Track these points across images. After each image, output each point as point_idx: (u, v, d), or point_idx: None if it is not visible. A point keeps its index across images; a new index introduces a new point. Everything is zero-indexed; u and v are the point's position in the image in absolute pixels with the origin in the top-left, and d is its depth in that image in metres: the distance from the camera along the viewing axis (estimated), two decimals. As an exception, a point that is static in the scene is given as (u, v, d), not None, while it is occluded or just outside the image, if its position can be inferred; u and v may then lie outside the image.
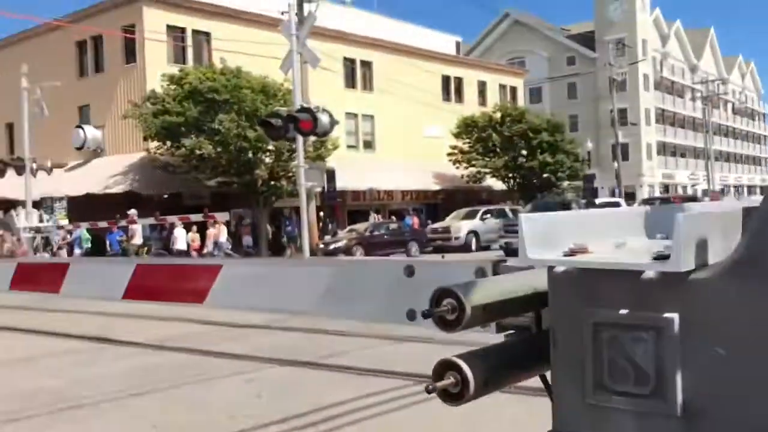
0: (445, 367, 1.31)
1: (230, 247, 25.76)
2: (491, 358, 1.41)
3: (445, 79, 44.38)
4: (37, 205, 22.40)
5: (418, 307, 1.55)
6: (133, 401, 5.89)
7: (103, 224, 20.41)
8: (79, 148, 32.04)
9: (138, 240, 24.08)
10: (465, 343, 1.54)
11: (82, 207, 27.55)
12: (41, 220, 21.43)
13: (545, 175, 39.24)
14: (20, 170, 21.63)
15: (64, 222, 25.58)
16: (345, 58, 37.91)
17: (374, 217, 34.01)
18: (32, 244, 21.18)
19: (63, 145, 31.94)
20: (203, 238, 24.93)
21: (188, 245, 24.24)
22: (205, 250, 24.57)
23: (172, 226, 23.42)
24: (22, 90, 22.32)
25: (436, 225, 31.50)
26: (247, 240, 28.52)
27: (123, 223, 20.92)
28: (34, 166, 21.76)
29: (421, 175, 39.08)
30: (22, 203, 21.70)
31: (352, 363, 6.92)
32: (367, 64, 40.07)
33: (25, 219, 20.34)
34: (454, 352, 1.35)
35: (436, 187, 39.76)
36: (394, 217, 35.01)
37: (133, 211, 24.54)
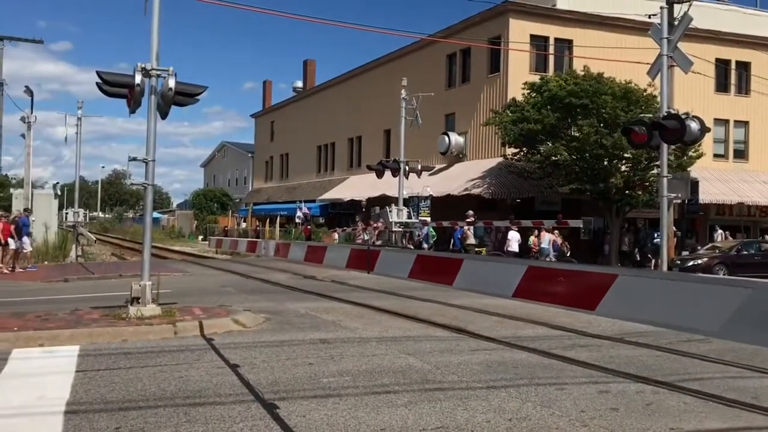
0: None
1: (566, 253, 25.44)
2: None
3: None
4: (406, 202, 24.95)
5: None
6: (493, 393, 6.27)
7: (462, 223, 21.96)
8: (444, 153, 34.85)
9: (471, 240, 25.37)
10: None
11: (443, 206, 29.94)
12: (409, 216, 23.80)
13: None
14: (395, 172, 24.27)
15: (426, 219, 28.07)
16: (717, 60, 34.72)
17: (722, 235, 30.53)
18: (401, 237, 23.67)
19: (430, 150, 35.06)
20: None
21: (521, 248, 24.61)
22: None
23: (508, 228, 24.16)
24: (401, 100, 24.99)
25: (823, 249, 27.12)
26: (605, 249, 28.02)
27: (480, 223, 22.23)
28: (407, 168, 24.20)
29: (804, 189, 34.08)
30: (395, 200, 24.37)
31: (715, 391, 6.41)
32: (743, 65, 36.19)
33: (396, 215, 22.81)
34: None
35: (825, 205, 34.24)
36: (767, 236, 31.08)
37: (470, 212, 25.91)
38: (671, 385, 6.61)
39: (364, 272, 18.79)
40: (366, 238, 27.88)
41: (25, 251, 22.79)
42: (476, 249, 25.72)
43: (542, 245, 24.52)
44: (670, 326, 6.78)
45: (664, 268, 13.45)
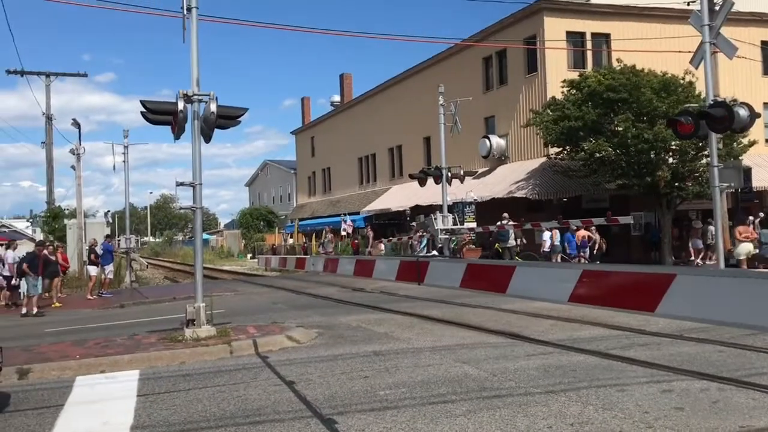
0: None
1: (602, 250, 25.19)
2: None
3: None
4: (450, 209, 24.82)
5: None
6: (553, 398, 6.17)
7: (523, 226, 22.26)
8: (486, 157, 34.61)
9: (511, 242, 25.27)
10: None
11: (489, 210, 29.73)
12: (455, 223, 23.67)
13: None
14: (437, 179, 24.18)
15: (472, 225, 27.88)
16: (763, 42, 33.68)
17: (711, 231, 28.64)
18: (447, 245, 23.53)
19: (471, 154, 34.88)
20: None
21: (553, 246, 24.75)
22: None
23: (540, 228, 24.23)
24: (438, 107, 24.93)
25: None
26: (696, 243, 27.24)
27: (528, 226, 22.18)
28: (449, 174, 24.09)
29: None
30: (440, 208, 24.26)
31: (785, 386, 6.19)
32: (790, 45, 35.02)
33: (441, 222, 22.70)
34: None
35: None
36: (828, 221, 29.90)
37: (505, 215, 25.71)
38: (738, 381, 6.41)
39: (414, 283, 18.71)
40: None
41: (106, 278, 23.58)
42: (509, 250, 25.40)
43: (555, 242, 24.76)
44: (731, 324, 6.61)
45: (721, 262, 13.03)
